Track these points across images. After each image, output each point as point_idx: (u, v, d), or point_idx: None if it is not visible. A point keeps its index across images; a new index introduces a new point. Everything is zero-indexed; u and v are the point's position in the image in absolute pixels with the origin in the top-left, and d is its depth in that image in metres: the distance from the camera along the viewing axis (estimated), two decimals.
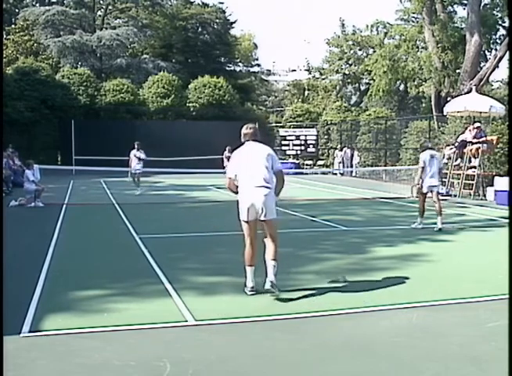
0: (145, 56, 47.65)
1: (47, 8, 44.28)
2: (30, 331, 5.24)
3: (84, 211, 15.26)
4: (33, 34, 45.89)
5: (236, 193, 6.66)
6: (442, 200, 18.12)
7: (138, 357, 4.69)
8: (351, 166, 31.59)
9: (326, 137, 37.67)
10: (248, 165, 6.51)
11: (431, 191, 12.12)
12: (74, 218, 13.52)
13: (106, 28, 46.08)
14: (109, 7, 48.42)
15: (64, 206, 15.74)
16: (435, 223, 11.93)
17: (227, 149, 29.54)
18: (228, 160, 29.22)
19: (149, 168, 21.44)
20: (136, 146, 20.10)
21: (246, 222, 6.47)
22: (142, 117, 36.76)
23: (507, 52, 31.73)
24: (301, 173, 31.54)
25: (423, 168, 11.96)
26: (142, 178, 20.56)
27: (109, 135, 32.15)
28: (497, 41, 35.69)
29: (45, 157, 29.24)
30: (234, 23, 51.85)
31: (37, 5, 48.92)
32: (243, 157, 6.64)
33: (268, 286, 6.30)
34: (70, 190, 21.05)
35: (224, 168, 29.01)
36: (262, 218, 6.44)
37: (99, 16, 48.42)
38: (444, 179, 20.18)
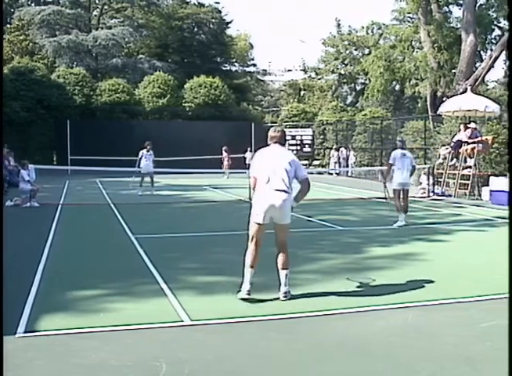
0: (140, 55, 47.65)
1: (42, 7, 44.26)
2: (25, 332, 5.24)
3: (79, 211, 15.24)
4: (28, 33, 45.87)
5: None
6: (438, 200, 18.24)
7: (135, 357, 4.69)
8: (347, 166, 31.64)
9: (321, 137, 37.70)
10: (270, 167, 6.39)
11: (402, 189, 12.21)
12: (70, 219, 13.51)
13: (102, 28, 46.05)
14: (105, 7, 48.39)
15: (60, 206, 15.72)
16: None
17: (224, 149, 29.66)
18: (227, 160, 29.36)
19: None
20: (148, 147, 19.94)
21: (259, 224, 6.38)
22: (138, 117, 36.78)
23: (502, 52, 31.84)
24: None
25: (391, 165, 12.10)
26: (138, 179, 20.44)
27: (105, 135, 32.16)
28: (492, 41, 35.85)
29: (41, 157, 29.20)
30: (230, 23, 51.91)
31: (33, 4, 48.87)
32: (266, 158, 6.52)
33: (282, 297, 6.32)
34: (66, 190, 21.03)
35: (223, 167, 29.15)
36: (278, 222, 6.39)
37: (95, 15, 48.39)
38: (439, 179, 20.28)
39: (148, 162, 19.78)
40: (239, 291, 6.36)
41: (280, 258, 6.44)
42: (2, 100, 21.60)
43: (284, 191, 6.35)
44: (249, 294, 6.28)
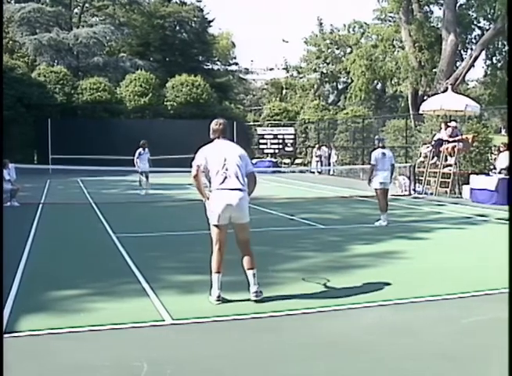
0: (122, 54, 47.36)
1: (22, 5, 43.71)
2: (5, 333, 5.19)
3: (60, 210, 15.14)
4: (8, 31, 45.35)
5: (200, 190, 6.33)
6: (419, 198, 18.36)
7: (116, 357, 4.68)
8: (329, 164, 31.74)
9: (303, 136, 37.77)
10: (221, 165, 6.16)
11: (383, 189, 12.23)
12: (51, 218, 13.42)
13: (83, 26, 45.68)
14: (86, 5, 48.00)
15: (40, 205, 15.60)
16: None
17: None
18: None
19: (127, 168, 21.30)
20: (144, 146, 20.00)
21: (217, 226, 6.25)
22: (120, 115, 36.56)
23: (482, 52, 32.13)
24: (279, 172, 31.61)
25: (373, 165, 12.12)
26: (120, 178, 20.40)
27: (87, 134, 31.97)
28: (472, 40, 36.12)
29: (22, 156, 28.84)
30: (212, 21, 51.74)
31: (13, 1, 48.31)
32: (215, 155, 6.24)
33: (253, 298, 6.20)
34: (47, 190, 20.87)
35: None
36: (237, 222, 6.24)
37: (76, 13, 47.98)
38: (420, 177, 20.42)
39: (144, 161, 19.90)
40: (210, 295, 6.28)
41: (245, 258, 6.28)
42: (2, 100, 21.37)
43: (240, 189, 6.17)
44: (219, 299, 6.18)
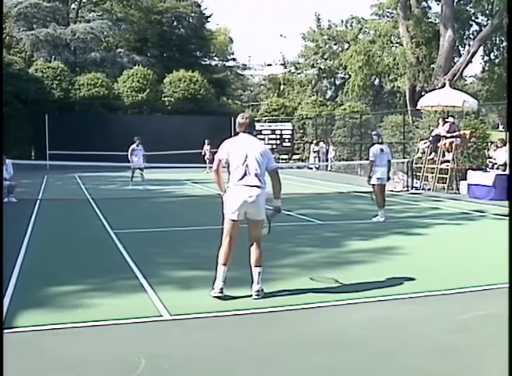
0: (119, 49, 47.29)
1: (19, 0, 43.64)
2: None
3: (58, 206, 15.13)
4: (5, 26, 45.23)
5: (219, 184, 6.38)
6: (416, 193, 18.37)
7: (113, 353, 4.68)
8: (327, 160, 31.75)
9: (301, 131, 37.77)
10: (242, 161, 6.16)
11: (380, 184, 12.21)
12: (48, 214, 13.40)
13: (80, 21, 45.61)
14: (83, 0, 47.92)
15: (38, 201, 15.59)
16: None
17: (206, 142, 29.13)
18: (209, 153, 28.73)
19: (125, 163, 21.29)
20: (137, 142, 20.17)
21: (232, 220, 6.22)
22: (117, 111, 36.53)
23: (480, 48, 32.13)
24: (277, 167, 31.53)
25: (372, 161, 12.09)
26: (118, 174, 20.39)
27: (84, 130, 31.91)
28: (470, 36, 36.12)
29: (19, 152, 28.75)
30: (209, 17, 51.77)
31: None
32: (237, 150, 6.23)
33: (254, 296, 6.16)
34: (44, 185, 20.85)
35: (205, 161, 28.63)
36: (253, 218, 6.24)
37: (73, 9, 47.89)
38: (418, 173, 20.42)
39: (138, 157, 20.03)
40: (213, 288, 6.25)
41: (254, 254, 6.26)
42: (2, 100, 21.29)
43: (258, 186, 6.19)
44: (221, 293, 6.14)
